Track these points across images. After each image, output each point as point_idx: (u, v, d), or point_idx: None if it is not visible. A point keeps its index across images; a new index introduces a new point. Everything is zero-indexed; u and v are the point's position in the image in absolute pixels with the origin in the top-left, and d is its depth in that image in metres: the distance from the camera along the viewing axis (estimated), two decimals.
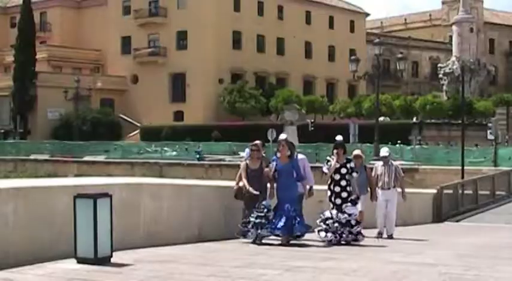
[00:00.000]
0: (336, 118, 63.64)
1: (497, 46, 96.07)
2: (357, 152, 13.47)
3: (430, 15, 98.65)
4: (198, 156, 46.89)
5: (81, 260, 8.44)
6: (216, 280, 7.91)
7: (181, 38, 68.57)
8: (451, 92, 61.77)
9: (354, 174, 11.63)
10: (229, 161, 44.09)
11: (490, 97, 64.20)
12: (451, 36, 74.97)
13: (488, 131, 41.51)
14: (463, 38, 66.51)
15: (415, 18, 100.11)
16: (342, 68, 69.76)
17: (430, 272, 8.63)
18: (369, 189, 13.27)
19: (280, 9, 73.10)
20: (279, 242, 11.13)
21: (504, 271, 8.81)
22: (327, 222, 11.36)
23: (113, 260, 8.63)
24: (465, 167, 32.00)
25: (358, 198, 11.82)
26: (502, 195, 26.59)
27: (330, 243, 11.26)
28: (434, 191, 20.76)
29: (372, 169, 13.82)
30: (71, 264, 8.44)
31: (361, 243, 11.62)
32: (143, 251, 9.84)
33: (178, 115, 67.71)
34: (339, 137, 11.94)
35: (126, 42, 71.81)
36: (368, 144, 40.03)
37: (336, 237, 11.33)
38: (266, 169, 11.37)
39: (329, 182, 11.67)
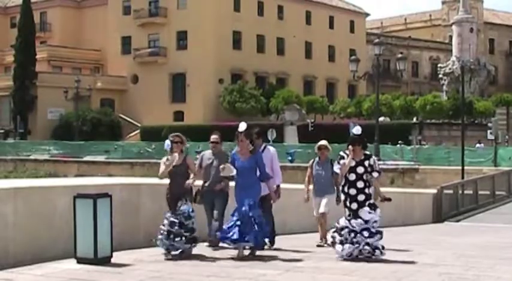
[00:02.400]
0: (336, 118, 63.61)
1: (497, 46, 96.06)
2: (322, 142, 11.48)
3: (430, 15, 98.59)
4: None
5: (81, 260, 8.45)
6: (216, 280, 7.91)
7: (181, 38, 68.51)
8: (451, 92, 61.72)
9: (375, 174, 9.57)
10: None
11: (490, 97, 64.20)
12: (451, 36, 74.94)
13: (488, 131, 41.54)
14: (463, 38, 66.48)
15: (415, 18, 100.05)
16: (342, 68, 69.75)
17: (429, 272, 8.63)
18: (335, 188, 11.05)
19: (280, 9, 73.00)
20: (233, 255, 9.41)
21: (504, 271, 8.80)
22: (343, 232, 9.33)
23: (113, 260, 8.64)
24: (465, 167, 31.99)
25: (388, 199, 9.90)
26: (502, 195, 26.53)
27: (350, 257, 9.20)
28: (435, 191, 20.70)
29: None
30: (71, 264, 8.44)
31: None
32: (143, 251, 9.84)
33: (179, 115, 67.64)
34: (357, 129, 9.76)
35: (126, 42, 71.76)
36: (368, 144, 39.94)
37: (356, 248, 9.21)
38: (226, 165, 9.47)
39: (343, 183, 9.58)
